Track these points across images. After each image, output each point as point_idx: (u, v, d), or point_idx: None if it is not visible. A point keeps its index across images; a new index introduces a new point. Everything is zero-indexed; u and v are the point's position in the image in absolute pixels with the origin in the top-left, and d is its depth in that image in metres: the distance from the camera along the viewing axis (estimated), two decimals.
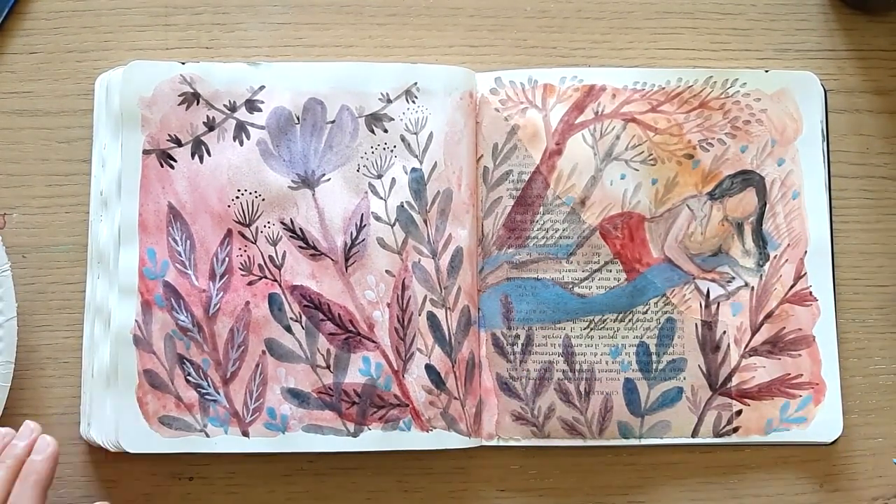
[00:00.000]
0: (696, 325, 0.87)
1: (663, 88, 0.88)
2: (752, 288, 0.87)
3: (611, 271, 0.87)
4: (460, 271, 0.85)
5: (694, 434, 0.86)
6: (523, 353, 0.86)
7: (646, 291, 0.87)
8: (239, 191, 0.84)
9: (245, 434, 0.83)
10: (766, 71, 0.89)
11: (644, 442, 0.86)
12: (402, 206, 0.85)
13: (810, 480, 0.87)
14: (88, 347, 0.85)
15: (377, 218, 0.85)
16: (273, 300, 0.84)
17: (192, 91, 0.85)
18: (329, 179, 0.85)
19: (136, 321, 0.83)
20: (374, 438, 0.83)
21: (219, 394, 0.83)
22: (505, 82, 0.88)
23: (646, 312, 0.87)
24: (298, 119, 0.85)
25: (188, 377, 0.83)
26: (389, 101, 0.86)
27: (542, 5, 0.91)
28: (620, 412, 0.86)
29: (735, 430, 0.86)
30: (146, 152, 0.84)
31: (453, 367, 0.85)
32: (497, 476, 0.87)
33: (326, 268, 0.84)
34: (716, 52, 0.90)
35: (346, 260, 0.84)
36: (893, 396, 0.88)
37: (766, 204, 0.87)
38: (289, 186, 0.85)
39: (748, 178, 0.87)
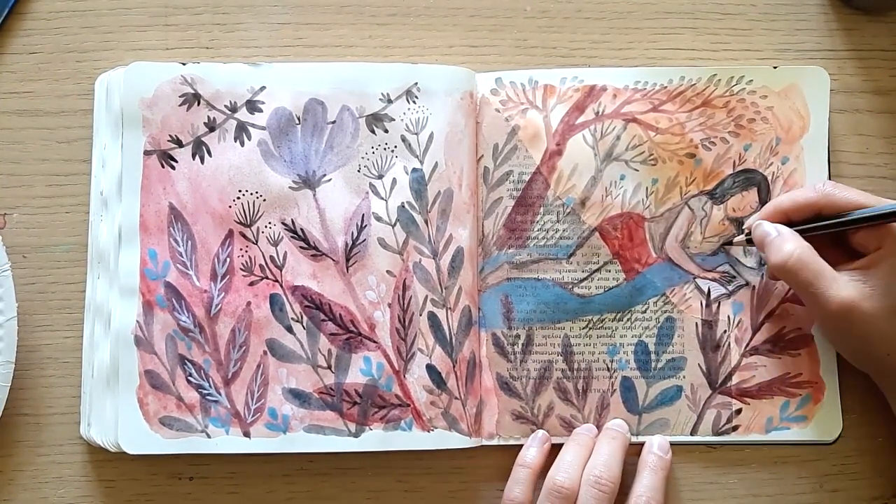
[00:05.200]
0: (696, 324, 0.87)
1: (665, 87, 0.88)
2: (754, 287, 0.87)
3: (609, 271, 0.87)
4: (461, 271, 0.85)
5: (693, 432, 0.86)
6: (523, 353, 0.86)
7: (645, 291, 0.87)
8: (240, 191, 0.85)
9: (246, 434, 0.83)
10: (775, 67, 0.89)
11: (641, 439, 0.86)
12: (403, 207, 0.85)
13: (810, 480, 0.87)
14: (88, 347, 0.85)
15: (378, 218, 0.85)
16: (274, 300, 0.84)
17: (192, 92, 0.85)
18: (330, 180, 0.85)
19: (137, 322, 0.83)
20: (376, 439, 0.84)
21: (220, 394, 0.83)
22: (505, 83, 0.88)
23: (645, 312, 0.87)
24: (299, 119, 0.85)
25: (189, 378, 0.83)
26: (390, 102, 0.86)
27: (542, 5, 0.91)
28: (617, 410, 0.86)
29: (735, 428, 0.86)
30: (147, 153, 0.84)
31: (454, 367, 0.85)
32: (497, 476, 0.87)
33: (327, 268, 0.84)
34: (716, 53, 0.90)
35: (347, 260, 0.84)
36: None
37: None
38: (290, 187, 0.85)
39: (750, 178, 0.87)
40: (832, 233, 0.83)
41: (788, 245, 0.81)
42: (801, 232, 0.82)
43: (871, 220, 0.80)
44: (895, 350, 0.80)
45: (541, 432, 0.86)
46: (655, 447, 0.85)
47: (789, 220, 0.84)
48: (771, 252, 0.82)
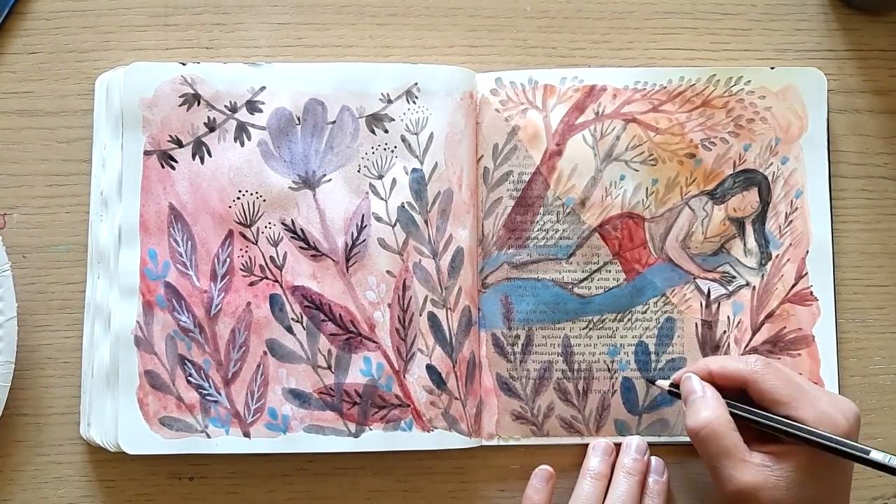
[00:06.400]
0: (696, 324, 0.87)
1: (665, 88, 0.88)
2: (754, 287, 0.87)
3: (610, 272, 0.87)
4: (461, 272, 0.85)
5: None
6: (523, 353, 0.86)
7: (645, 291, 0.87)
8: (240, 191, 0.84)
9: (246, 435, 0.83)
10: (772, 68, 0.89)
11: None
12: (403, 207, 0.85)
13: None
14: (88, 347, 0.85)
15: (378, 218, 0.85)
16: (274, 301, 0.84)
17: (192, 92, 0.85)
18: (330, 180, 0.85)
19: (137, 322, 0.83)
20: (376, 439, 0.84)
21: (220, 394, 0.83)
22: (505, 83, 0.88)
23: (645, 312, 0.87)
24: (299, 120, 0.85)
25: (189, 378, 0.83)
26: (390, 102, 0.86)
27: (542, 5, 0.90)
28: (617, 410, 0.86)
29: None
30: (147, 153, 0.84)
31: (454, 367, 0.85)
32: (497, 476, 0.87)
33: (327, 268, 0.84)
34: (716, 53, 0.90)
35: (347, 260, 0.84)
36: (893, 396, 0.88)
37: (768, 203, 0.87)
38: (290, 187, 0.85)
39: (751, 178, 0.87)
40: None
41: (706, 412, 0.78)
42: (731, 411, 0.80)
43: (778, 431, 0.77)
44: None
45: (544, 469, 0.86)
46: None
47: (715, 383, 0.81)
48: (689, 412, 0.80)
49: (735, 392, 0.80)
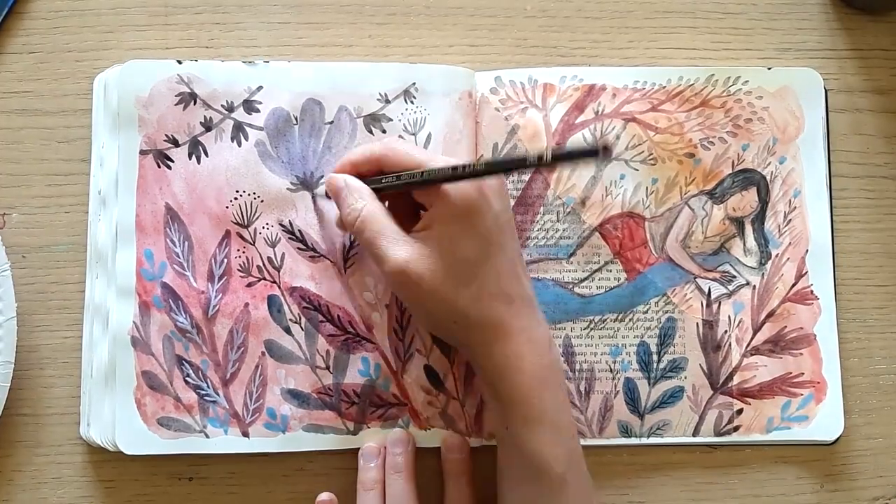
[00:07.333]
0: (697, 324, 0.87)
1: (664, 87, 0.88)
2: (754, 287, 0.87)
3: (611, 271, 0.87)
4: None
5: (695, 433, 0.86)
6: None
7: (646, 291, 0.87)
8: (237, 192, 0.84)
9: (245, 434, 0.83)
10: (769, 68, 0.88)
11: (644, 441, 0.86)
12: None
13: (810, 480, 0.87)
14: (88, 347, 0.85)
15: None
16: (272, 302, 0.84)
17: (189, 91, 0.85)
18: None
19: (133, 322, 0.83)
20: (373, 436, 0.84)
21: (218, 395, 0.83)
22: (505, 82, 0.88)
23: (646, 312, 0.87)
24: (297, 120, 0.85)
25: (187, 378, 0.83)
26: (388, 102, 0.85)
27: (542, 5, 0.90)
28: (620, 411, 0.86)
29: (736, 429, 0.86)
30: (143, 153, 0.84)
31: (452, 367, 0.85)
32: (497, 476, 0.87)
33: (325, 269, 0.84)
34: (716, 52, 0.90)
35: (345, 262, 0.84)
36: (894, 396, 0.88)
37: (767, 203, 0.87)
38: (288, 188, 0.85)
39: (749, 177, 0.87)
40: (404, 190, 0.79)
41: (357, 202, 0.78)
42: (373, 188, 0.79)
43: (425, 183, 0.77)
44: (461, 318, 0.76)
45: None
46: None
47: (360, 174, 0.80)
48: (341, 207, 0.79)
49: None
